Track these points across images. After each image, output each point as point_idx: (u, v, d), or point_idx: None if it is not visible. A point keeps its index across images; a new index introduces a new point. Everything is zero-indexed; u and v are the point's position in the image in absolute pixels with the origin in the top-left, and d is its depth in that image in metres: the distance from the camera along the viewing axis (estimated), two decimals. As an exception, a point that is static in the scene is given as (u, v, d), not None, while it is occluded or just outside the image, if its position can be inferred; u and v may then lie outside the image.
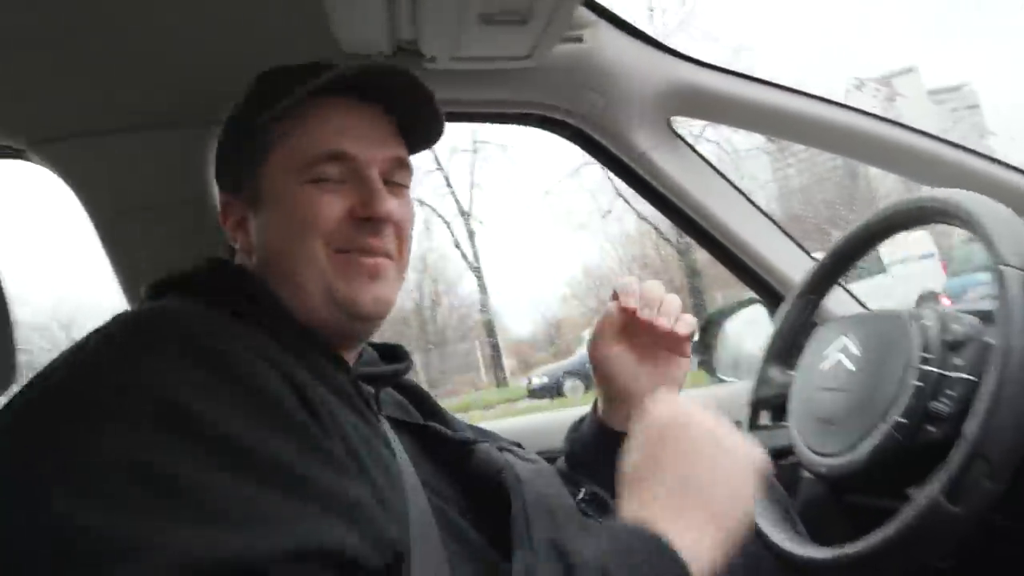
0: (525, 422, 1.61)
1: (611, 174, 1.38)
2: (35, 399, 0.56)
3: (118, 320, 0.61)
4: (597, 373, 0.94)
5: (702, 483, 0.61)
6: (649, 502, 0.60)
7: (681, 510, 0.59)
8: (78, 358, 0.58)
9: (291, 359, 0.63)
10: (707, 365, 1.52)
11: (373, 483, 0.60)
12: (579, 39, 1.16)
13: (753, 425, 1.02)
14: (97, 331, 0.60)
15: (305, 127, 0.74)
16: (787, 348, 1.03)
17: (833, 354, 0.86)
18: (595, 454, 0.94)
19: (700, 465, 0.62)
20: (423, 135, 0.82)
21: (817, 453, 0.84)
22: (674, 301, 0.92)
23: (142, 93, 0.98)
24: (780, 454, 0.96)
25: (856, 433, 0.78)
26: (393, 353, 0.87)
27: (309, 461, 0.54)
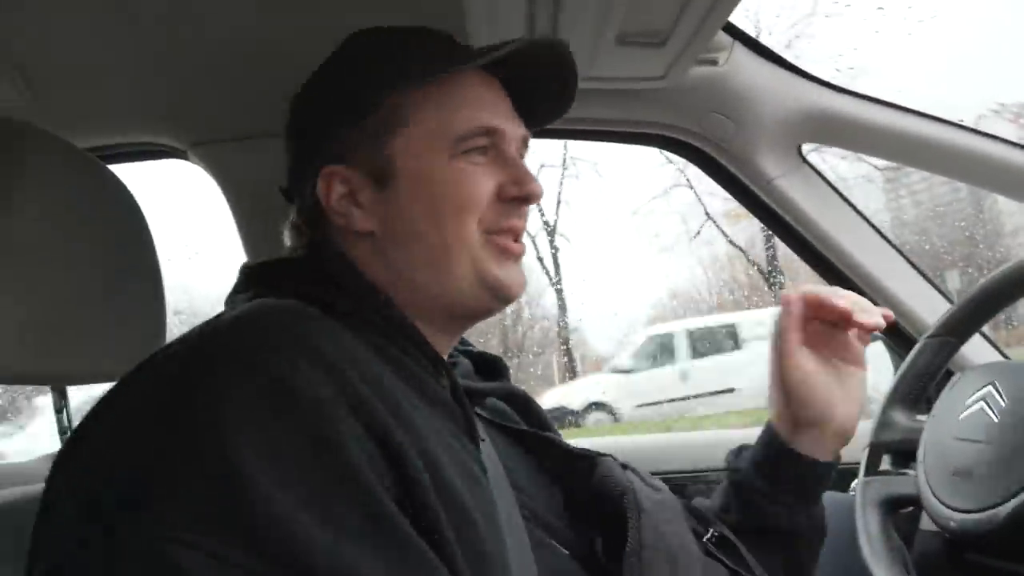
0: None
1: (701, 196, 1.36)
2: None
3: (200, 337, 0.56)
4: (788, 397, 0.83)
5: None
6: None
7: None
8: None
9: (385, 366, 0.59)
10: None
11: (467, 520, 0.56)
12: (714, 62, 1.15)
13: (871, 469, 0.97)
14: (180, 346, 0.56)
15: (451, 99, 0.70)
16: (916, 392, 0.98)
17: (976, 403, 0.81)
18: (779, 482, 0.84)
19: None
20: (543, 113, 0.78)
21: (948, 507, 0.80)
22: (863, 299, 0.84)
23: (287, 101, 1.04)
24: (899, 503, 0.93)
25: (998, 490, 0.73)
26: (491, 365, 0.84)
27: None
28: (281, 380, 0.50)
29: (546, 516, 0.73)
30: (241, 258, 1.26)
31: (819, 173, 1.29)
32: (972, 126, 1.22)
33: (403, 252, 0.69)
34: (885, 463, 0.98)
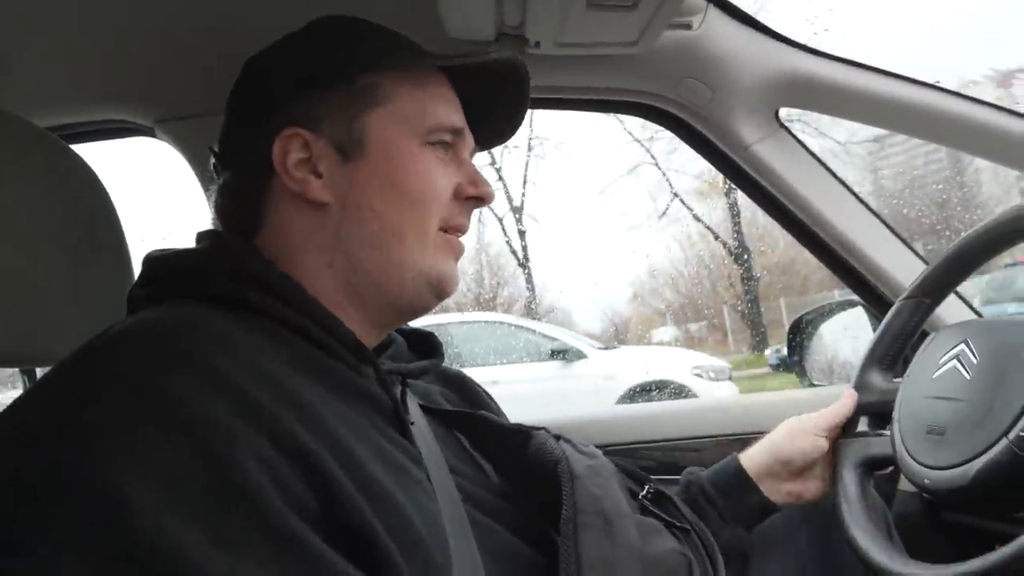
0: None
1: (667, 173, 1.37)
2: None
3: (92, 350, 0.55)
4: (783, 456, 0.97)
5: None
6: None
7: None
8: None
9: (295, 365, 0.58)
10: (799, 368, 1.47)
11: (397, 513, 0.56)
12: (688, 25, 1.13)
13: (850, 431, 0.99)
14: (71, 364, 0.54)
15: (424, 91, 0.72)
16: (892, 353, 0.99)
17: (948, 361, 0.82)
18: (731, 505, 0.95)
19: None
20: (486, 133, 0.81)
21: (923, 465, 0.81)
22: None
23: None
24: (878, 464, 0.94)
25: (969, 447, 0.74)
26: (424, 342, 0.83)
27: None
28: (169, 400, 0.49)
29: (479, 494, 0.73)
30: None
31: (796, 138, 1.28)
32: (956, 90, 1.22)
33: (355, 230, 0.69)
34: (863, 425, 0.99)
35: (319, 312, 0.64)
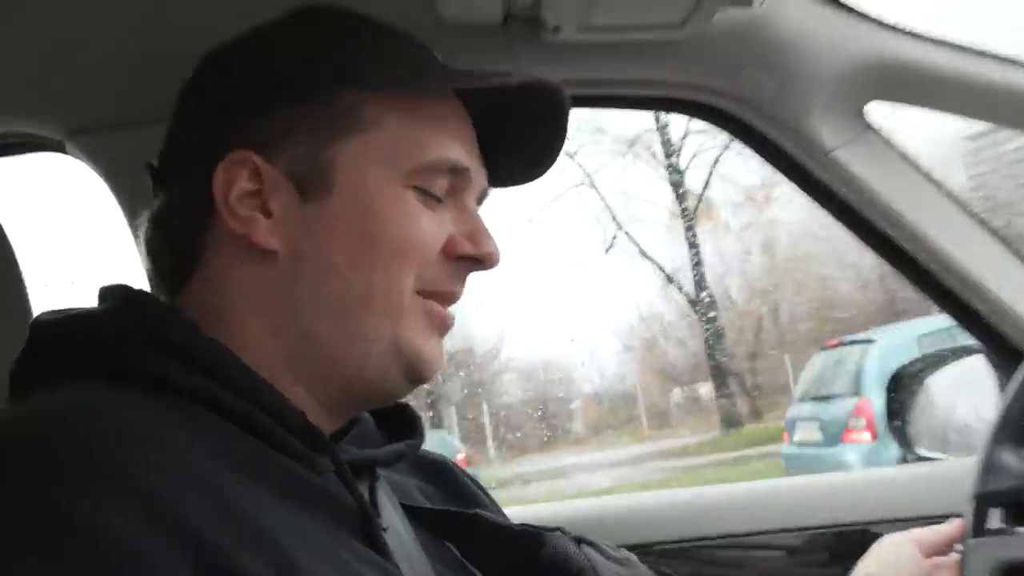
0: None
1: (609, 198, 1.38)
2: None
3: None
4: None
5: None
6: None
7: None
8: None
9: (229, 462, 0.57)
10: (900, 434, 1.43)
11: None
12: (749, 2, 1.10)
13: (979, 527, 0.96)
14: None
15: (419, 119, 0.69)
16: (1031, 424, 0.96)
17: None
18: None
19: None
20: (506, 171, 0.80)
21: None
22: None
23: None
24: (1018, 570, 0.90)
25: None
26: (399, 418, 0.80)
27: None
28: (68, 521, 0.48)
29: None
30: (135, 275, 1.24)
31: (890, 141, 1.25)
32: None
33: (308, 288, 0.66)
34: (995, 519, 0.96)
35: (260, 390, 0.63)
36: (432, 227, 0.69)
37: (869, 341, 7.15)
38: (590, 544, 0.82)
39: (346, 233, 0.66)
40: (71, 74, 1.14)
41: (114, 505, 0.49)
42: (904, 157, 1.26)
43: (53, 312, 0.67)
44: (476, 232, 0.72)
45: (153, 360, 0.61)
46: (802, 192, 1.32)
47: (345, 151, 0.67)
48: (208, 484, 0.53)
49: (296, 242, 0.67)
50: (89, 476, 0.50)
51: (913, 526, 1.22)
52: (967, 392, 1.36)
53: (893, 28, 1.19)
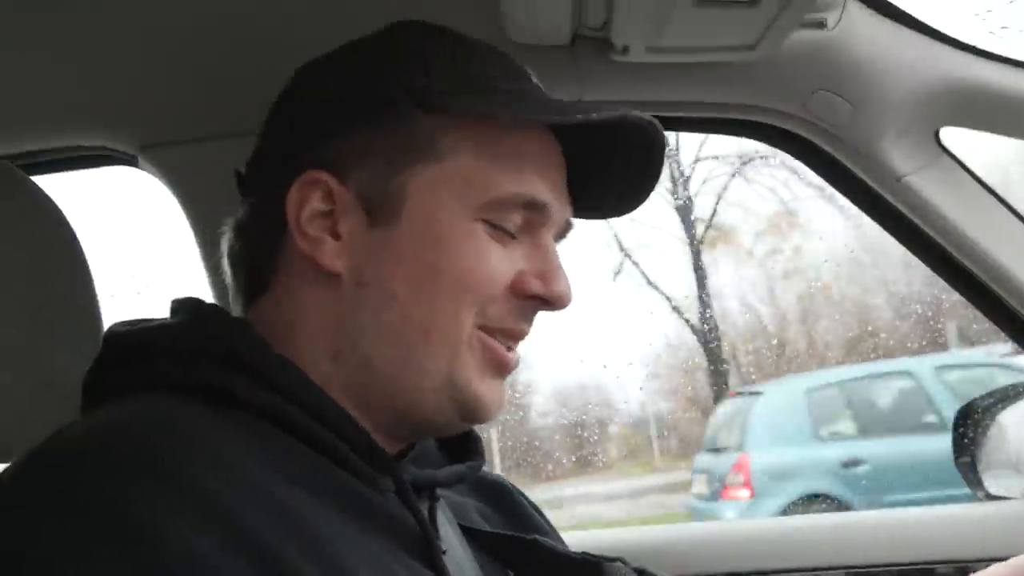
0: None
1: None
2: None
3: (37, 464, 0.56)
4: None
5: None
6: None
7: None
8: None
9: (296, 478, 0.58)
10: (967, 470, 1.39)
11: None
12: (821, 24, 1.10)
13: None
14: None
15: (500, 149, 0.67)
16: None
17: None
18: None
19: None
20: (595, 203, 0.78)
21: None
22: None
23: (262, 91, 1.06)
24: None
25: None
26: (459, 440, 0.79)
27: None
28: (143, 531, 0.49)
29: None
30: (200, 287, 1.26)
31: (965, 167, 1.22)
32: None
33: (369, 315, 0.66)
34: None
35: (325, 407, 0.62)
36: (501, 263, 0.67)
37: (756, 394, 6.85)
38: (651, 574, 0.81)
39: (411, 262, 0.66)
40: (145, 90, 1.16)
41: (185, 515, 0.50)
42: (980, 183, 1.23)
43: (126, 323, 0.68)
44: (548, 271, 0.69)
45: (223, 375, 0.61)
46: (872, 219, 1.30)
47: (417, 178, 0.66)
48: (273, 496, 0.54)
49: (361, 267, 0.66)
50: (159, 487, 0.51)
51: (979, 568, 1.20)
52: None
53: (971, 50, 1.17)
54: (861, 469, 5.69)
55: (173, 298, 0.70)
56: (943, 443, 1.45)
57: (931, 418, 5.72)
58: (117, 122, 1.22)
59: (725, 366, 8.95)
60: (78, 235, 0.84)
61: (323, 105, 0.69)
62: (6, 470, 0.56)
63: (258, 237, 0.70)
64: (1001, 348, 5.57)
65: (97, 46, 1.10)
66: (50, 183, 0.89)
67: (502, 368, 0.69)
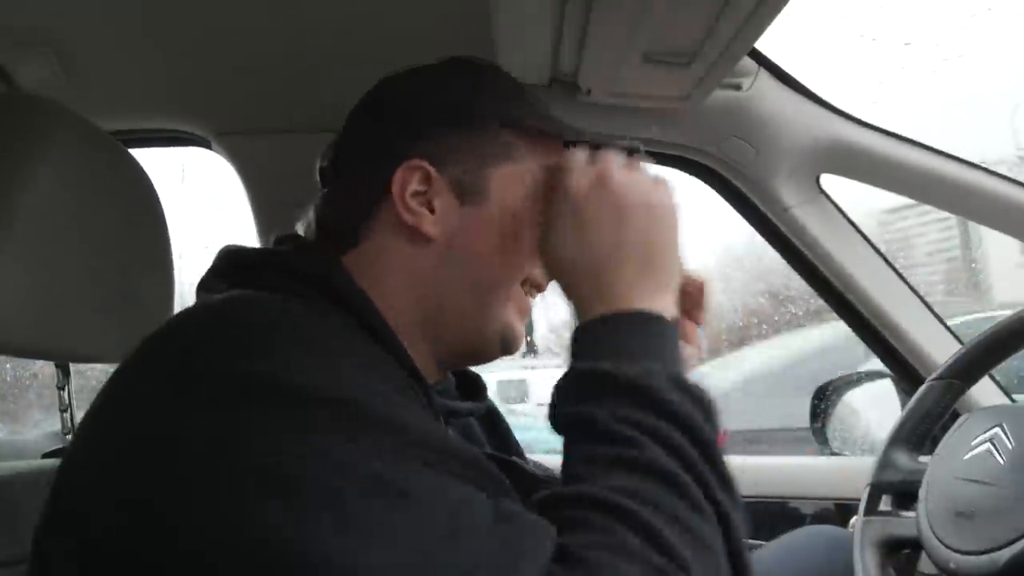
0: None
1: None
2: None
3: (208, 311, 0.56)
4: None
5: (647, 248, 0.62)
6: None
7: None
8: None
9: (387, 371, 0.58)
10: (818, 433, 1.46)
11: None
12: (738, 86, 1.14)
13: (871, 509, 0.97)
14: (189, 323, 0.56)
15: (547, 157, 0.71)
16: (920, 433, 0.98)
17: (982, 444, 0.81)
18: None
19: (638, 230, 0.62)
20: None
21: (950, 548, 0.79)
22: None
23: (320, 95, 1.01)
24: (900, 544, 0.92)
25: (1000, 533, 0.73)
26: (471, 383, 0.82)
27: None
28: (290, 382, 0.48)
29: None
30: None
31: (836, 206, 1.28)
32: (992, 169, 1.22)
33: (456, 272, 0.69)
34: (885, 504, 0.98)
35: (388, 337, 0.63)
36: None
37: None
38: None
39: (493, 234, 0.69)
40: (224, 80, 1.15)
41: (344, 369, 0.51)
42: (846, 218, 1.29)
43: (238, 245, 0.68)
44: None
45: (315, 292, 0.62)
46: (766, 240, 1.33)
47: (499, 172, 0.70)
48: (381, 376, 0.55)
49: (451, 233, 0.68)
50: (284, 345, 0.51)
51: (821, 505, 1.24)
52: (875, 408, 1.38)
53: (848, 116, 1.22)
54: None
55: (277, 235, 0.72)
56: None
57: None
58: (196, 109, 1.22)
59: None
60: (160, 199, 0.87)
61: (423, 109, 0.72)
62: (208, 309, 0.56)
63: (354, 208, 0.71)
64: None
65: (183, 39, 1.07)
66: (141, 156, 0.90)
67: (527, 313, 0.74)
